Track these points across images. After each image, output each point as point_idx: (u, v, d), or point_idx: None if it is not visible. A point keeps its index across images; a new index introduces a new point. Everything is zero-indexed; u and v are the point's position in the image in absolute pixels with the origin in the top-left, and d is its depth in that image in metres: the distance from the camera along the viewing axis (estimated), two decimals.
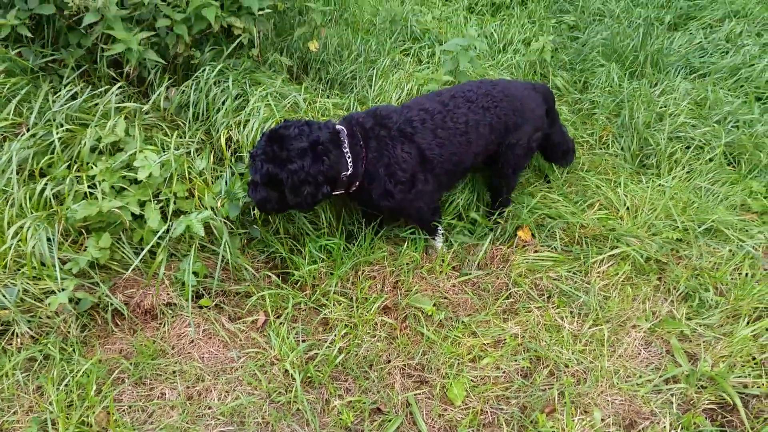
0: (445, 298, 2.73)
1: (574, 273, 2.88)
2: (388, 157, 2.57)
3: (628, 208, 3.27)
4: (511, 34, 5.06)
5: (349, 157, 2.51)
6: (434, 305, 2.64)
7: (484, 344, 2.51)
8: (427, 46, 4.69)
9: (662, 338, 2.61)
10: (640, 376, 2.42)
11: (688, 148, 3.78)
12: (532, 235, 3.08)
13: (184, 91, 3.05)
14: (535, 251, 2.96)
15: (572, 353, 2.49)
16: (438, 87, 3.53)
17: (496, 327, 2.59)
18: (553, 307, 2.70)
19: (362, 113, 2.70)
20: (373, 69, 3.96)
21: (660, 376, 2.40)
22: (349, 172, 2.52)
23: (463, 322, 2.60)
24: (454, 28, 5.14)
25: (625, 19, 5.07)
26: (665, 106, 4.06)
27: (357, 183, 2.60)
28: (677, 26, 5.25)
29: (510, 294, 2.76)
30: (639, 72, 4.53)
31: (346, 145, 2.51)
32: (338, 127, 2.55)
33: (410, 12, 5.13)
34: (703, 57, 4.73)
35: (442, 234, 3.02)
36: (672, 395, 2.34)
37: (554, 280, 2.83)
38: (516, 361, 2.46)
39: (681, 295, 2.81)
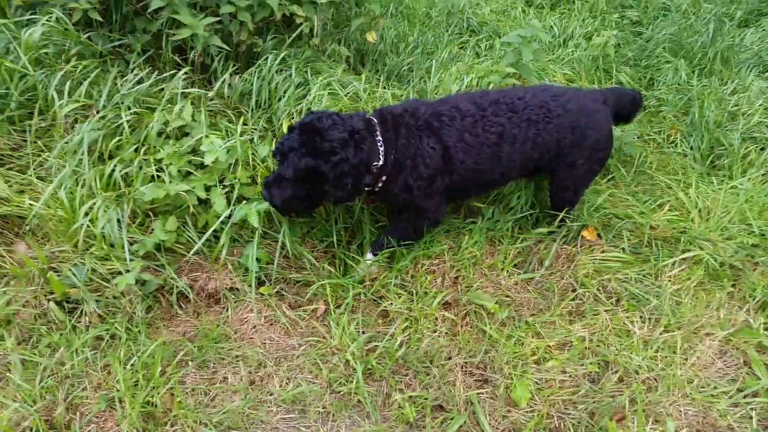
0: (507, 296, 2.65)
1: (643, 276, 2.76)
2: (415, 148, 2.46)
3: (699, 210, 3.13)
4: (572, 28, 4.92)
5: (381, 146, 2.43)
6: (496, 303, 2.57)
7: (549, 346, 2.43)
8: (484, 38, 4.60)
9: (738, 348, 2.48)
10: (716, 387, 2.30)
11: (762, 149, 3.59)
12: (598, 235, 2.97)
13: (246, 78, 3.05)
14: (602, 252, 2.85)
15: (643, 359, 2.38)
16: (500, 79, 3.45)
17: (562, 329, 2.50)
18: (622, 311, 2.59)
19: (394, 105, 2.62)
20: (431, 61, 3.90)
21: (738, 389, 2.28)
22: (380, 163, 2.43)
23: (526, 321, 2.52)
24: (513, 21, 5.03)
25: (692, 15, 4.86)
26: (737, 105, 3.87)
27: (384, 177, 2.49)
28: (748, 23, 5.01)
29: (576, 295, 2.67)
30: (708, 69, 4.33)
31: (378, 133, 2.44)
32: (369, 117, 2.49)
33: (467, 4, 5.04)
34: None
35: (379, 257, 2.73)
36: (752, 409, 2.21)
37: (623, 282, 2.71)
38: (583, 365, 2.37)
39: (758, 303, 2.66)
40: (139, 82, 2.83)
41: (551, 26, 4.93)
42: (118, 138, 2.59)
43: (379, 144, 2.42)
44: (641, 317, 2.59)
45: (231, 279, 2.51)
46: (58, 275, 2.32)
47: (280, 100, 3.00)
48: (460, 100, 2.59)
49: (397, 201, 2.62)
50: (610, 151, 2.90)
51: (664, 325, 2.54)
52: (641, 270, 2.79)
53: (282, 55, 3.08)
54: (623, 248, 2.90)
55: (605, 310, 2.60)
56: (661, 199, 3.20)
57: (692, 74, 4.25)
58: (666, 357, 2.40)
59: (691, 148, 3.75)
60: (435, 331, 2.44)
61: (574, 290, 2.70)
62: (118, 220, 2.37)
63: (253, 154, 2.70)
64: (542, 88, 2.72)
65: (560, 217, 2.90)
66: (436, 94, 3.56)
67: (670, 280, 2.75)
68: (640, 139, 3.78)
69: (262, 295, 2.53)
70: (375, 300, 2.59)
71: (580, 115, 2.64)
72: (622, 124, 3.19)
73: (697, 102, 3.89)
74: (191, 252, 2.47)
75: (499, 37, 4.52)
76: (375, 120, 2.47)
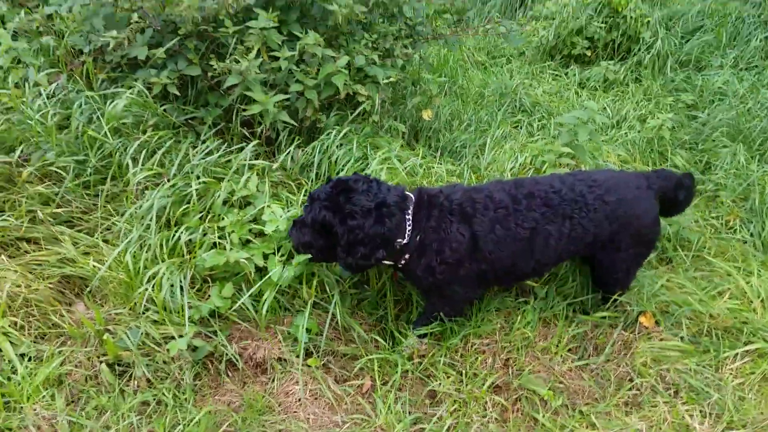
0: (561, 382, 2.57)
1: (703, 367, 2.64)
2: (444, 232, 2.41)
3: (762, 300, 3.00)
4: (626, 110, 4.96)
5: (409, 225, 2.39)
6: (549, 389, 2.49)
7: None
8: (537, 118, 4.68)
9: None
10: None
11: None
12: (656, 322, 2.87)
13: (308, 152, 3.18)
14: (660, 339, 2.75)
15: None
16: (555, 158, 3.48)
17: (618, 420, 2.39)
18: (681, 404, 2.46)
19: (435, 188, 2.61)
20: (484, 138, 3.98)
21: None
22: (404, 241, 2.39)
23: (581, 411, 2.42)
24: (566, 102, 5.11)
25: (750, 99, 4.84)
26: None
27: (407, 255, 2.45)
28: None
29: (633, 385, 2.56)
30: None
31: (410, 211, 2.41)
32: (407, 193, 2.47)
33: (520, 85, 5.17)
34: None
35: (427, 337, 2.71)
36: None
37: (682, 373, 2.59)
38: None
39: None
40: (209, 153, 2.99)
41: (604, 107, 4.99)
42: (185, 206, 2.72)
43: (408, 222, 2.40)
44: (701, 412, 2.45)
45: (279, 349, 2.52)
46: (112, 337, 2.39)
47: (339, 172, 3.09)
48: (494, 188, 2.53)
49: (420, 283, 2.59)
50: (658, 234, 2.80)
51: (727, 422, 2.39)
52: (701, 361, 2.66)
53: (344, 130, 3.21)
54: (682, 337, 2.79)
55: (663, 402, 2.48)
56: (721, 286, 3.09)
57: (751, 159, 4.19)
58: None
59: (751, 235, 3.64)
60: (484, 416, 2.37)
61: (630, 379, 2.60)
62: (181, 287, 2.44)
63: None
64: (580, 176, 2.61)
65: (612, 299, 2.84)
66: (489, 170, 3.61)
67: (731, 373, 2.61)
68: (697, 223, 3.70)
69: (309, 366, 2.53)
70: (423, 378, 2.55)
71: (618, 206, 2.54)
72: (673, 210, 2.99)
73: (758, 187, 3.81)
74: (249, 320, 2.51)
75: (552, 118, 4.59)
76: (412, 197, 2.46)
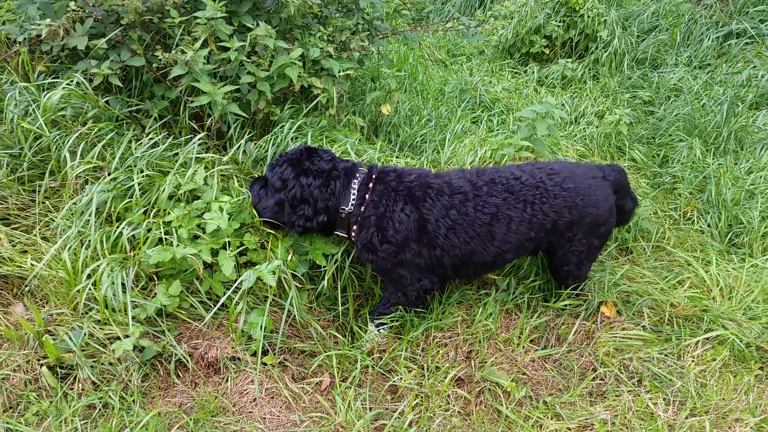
0: (524, 373, 2.51)
1: (665, 355, 2.62)
2: (385, 208, 2.44)
3: (721, 289, 3.01)
4: (584, 106, 4.99)
5: (353, 195, 2.48)
6: (512, 381, 2.42)
7: (569, 428, 2.26)
8: (497, 114, 4.66)
9: None
10: None
11: None
12: (618, 311, 2.84)
13: (262, 145, 3.07)
14: (623, 329, 2.72)
15: None
16: (514, 152, 3.45)
17: (583, 410, 2.34)
18: (645, 392, 2.43)
19: (394, 167, 2.64)
20: (444, 133, 3.93)
21: None
22: (349, 209, 2.48)
23: (545, 401, 2.37)
24: (525, 99, 5.12)
25: (704, 96, 4.93)
26: (754, 184, 3.83)
27: (355, 227, 2.51)
28: (759, 105, 5.06)
29: (597, 375, 2.52)
30: (723, 149, 4.33)
31: (356, 182, 2.49)
32: (361, 168, 2.56)
33: (479, 82, 5.15)
34: None
35: (383, 329, 2.66)
36: None
37: (645, 361, 2.57)
38: None
39: None
40: (154, 146, 2.85)
41: (563, 104, 5.01)
42: (128, 200, 2.57)
43: (352, 191, 2.48)
44: (665, 399, 2.43)
45: (233, 347, 2.40)
46: (53, 339, 2.23)
47: None
48: (454, 175, 2.56)
49: (367, 261, 2.59)
50: (612, 225, 2.77)
51: (690, 409, 2.38)
52: (663, 349, 2.65)
53: (299, 123, 3.11)
54: (644, 326, 2.77)
55: (627, 391, 2.44)
56: (681, 275, 3.10)
57: (707, 153, 4.25)
58: None
59: (708, 225, 3.68)
60: (447, 410, 2.29)
61: (594, 369, 2.56)
62: (122, 284, 2.30)
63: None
64: (539, 165, 2.63)
65: (573, 291, 2.81)
66: (449, 164, 3.56)
67: (693, 361, 2.60)
68: (656, 215, 3.72)
69: (265, 365, 2.41)
70: (383, 373, 2.46)
71: (579, 194, 2.54)
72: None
73: (713, 179, 3.85)
74: (198, 321, 2.39)
75: (512, 114, 4.57)
76: (363, 170, 2.56)
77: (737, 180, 3.87)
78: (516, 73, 5.85)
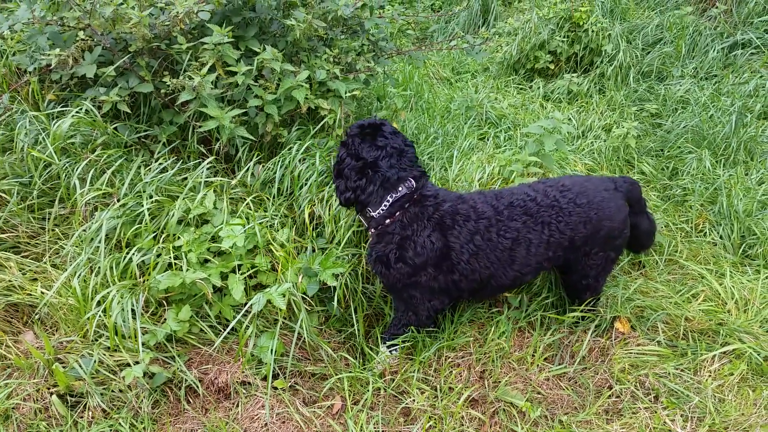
0: (539, 393, 2.47)
1: (682, 371, 2.57)
2: (412, 232, 2.41)
3: (736, 301, 2.96)
4: (591, 120, 4.98)
5: (385, 206, 2.44)
6: (527, 400, 2.38)
7: None
8: (503, 130, 4.66)
9: None
10: None
11: None
12: (632, 327, 2.80)
13: (270, 168, 3.08)
14: (638, 345, 2.68)
15: None
16: (522, 168, 3.44)
17: (599, 429, 2.30)
18: (662, 408, 2.38)
19: (442, 189, 2.60)
20: (451, 150, 3.93)
21: None
22: (374, 214, 2.46)
23: (560, 421, 2.32)
24: (531, 114, 5.12)
25: (712, 107, 4.90)
26: (766, 195, 3.78)
27: (372, 230, 2.50)
28: (767, 116, 5.02)
29: (612, 392, 2.47)
30: (732, 159, 4.30)
31: (394, 195, 2.44)
32: (410, 180, 2.49)
33: (485, 99, 5.16)
34: None
35: (395, 350, 2.63)
36: None
37: (661, 377, 2.52)
38: None
39: None
40: (164, 171, 2.87)
41: (570, 118, 5.00)
42: (137, 226, 2.58)
43: (386, 202, 2.44)
44: (683, 416, 2.38)
45: (243, 372, 2.38)
46: (63, 367, 2.23)
47: (302, 187, 2.99)
48: (478, 199, 2.53)
49: (377, 274, 2.55)
50: (627, 237, 2.74)
51: (709, 425, 2.33)
52: (679, 364, 2.60)
53: (306, 144, 3.12)
54: (659, 341, 2.73)
55: (644, 408, 2.39)
56: (695, 288, 3.05)
57: (716, 164, 4.21)
58: None
59: (721, 237, 3.63)
60: None
61: (610, 386, 2.51)
62: (132, 310, 2.30)
63: (272, 239, 2.65)
64: (549, 184, 2.61)
65: (586, 306, 2.76)
66: (457, 181, 3.55)
67: (710, 375, 2.55)
68: (667, 228, 3.68)
69: (275, 389, 2.39)
70: (395, 395, 2.43)
71: (592, 209, 2.53)
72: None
73: (724, 191, 3.81)
74: (208, 346, 2.38)
75: (518, 129, 4.57)
76: (410, 183, 2.48)
77: (749, 191, 3.83)
78: (521, 89, 5.87)
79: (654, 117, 5.23)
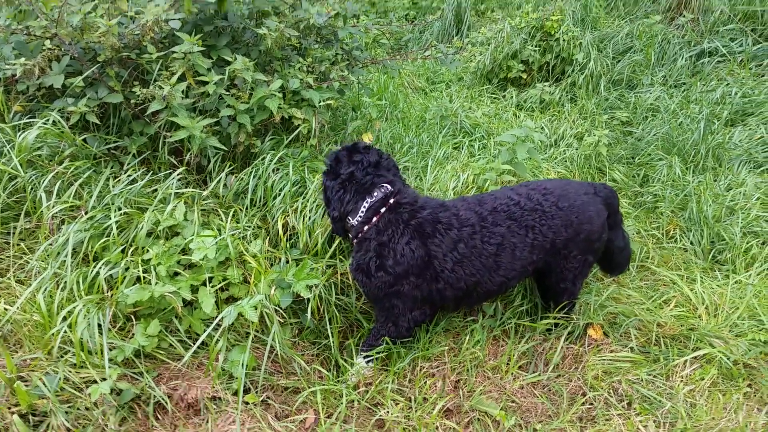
0: (513, 401, 2.47)
1: (654, 376, 2.59)
2: (389, 238, 2.40)
3: (707, 307, 3.01)
4: (563, 129, 5.04)
5: (362, 211, 2.46)
6: (502, 409, 2.38)
7: None
8: (477, 139, 4.69)
9: None
10: None
11: (764, 243, 3.53)
12: (605, 333, 2.83)
13: (242, 178, 3.04)
14: (611, 351, 2.70)
15: None
16: (496, 176, 3.46)
17: None
18: (635, 415, 2.40)
19: (425, 197, 2.59)
20: (426, 160, 3.94)
21: None
22: (354, 222, 2.48)
23: (535, 429, 2.32)
24: (505, 123, 5.16)
25: (681, 114, 5.00)
26: (734, 201, 3.86)
27: (355, 240, 2.51)
28: (733, 122, 5.14)
29: (586, 399, 2.48)
30: (701, 166, 4.38)
31: (369, 200, 2.46)
32: (385, 185, 2.50)
33: (459, 108, 5.20)
34: (766, 152, 4.55)
35: (371, 362, 2.60)
36: None
37: (633, 383, 2.54)
38: None
39: None
40: (133, 182, 2.82)
41: (542, 127, 5.05)
42: (105, 239, 2.53)
43: (362, 207, 2.45)
44: (655, 421, 2.40)
45: (213, 387, 2.33)
46: (26, 385, 2.16)
47: (275, 198, 2.97)
48: (461, 206, 2.53)
49: (358, 283, 2.53)
50: (604, 241, 2.78)
51: (681, 430, 2.35)
52: (651, 370, 2.63)
53: (279, 154, 3.10)
54: (631, 347, 2.75)
55: (617, 415, 2.41)
56: (666, 294, 3.09)
57: (686, 170, 4.29)
58: None
59: (691, 243, 3.69)
60: None
61: (583, 394, 2.52)
62: (99, 325, 2.24)
63: (245, 250, 2.62)
64: (531, 188, 2.63)
65: (560, 312, 2.79)
66: (432, 190, 3.56)
67: (682, 380, 2.58)
68: (639, 234, 3.73)
69: (247, 404, 2.35)
70: (370, 408, 2.41)
71: (573, 212, 2.56)
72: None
73: (694, 197, 3.88)
74: (179, 361, 2.33)
75: (492, 138, 4.60)
76: (386, 188, 2.50)
77: (717, 197, 3.91)
78: (495, 98, 5.92)
79: (625, 125, 5.31)
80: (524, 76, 5.99)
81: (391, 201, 2.47)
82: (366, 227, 2.44)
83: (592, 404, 2.48)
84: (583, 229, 2.58)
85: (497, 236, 2.45)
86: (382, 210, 2.44)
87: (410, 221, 2.42)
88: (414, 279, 2.41)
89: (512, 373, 2.58)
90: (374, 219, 2.44)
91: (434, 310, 2.64)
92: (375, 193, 2.46)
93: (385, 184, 2.49)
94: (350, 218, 2.48)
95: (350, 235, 2.55)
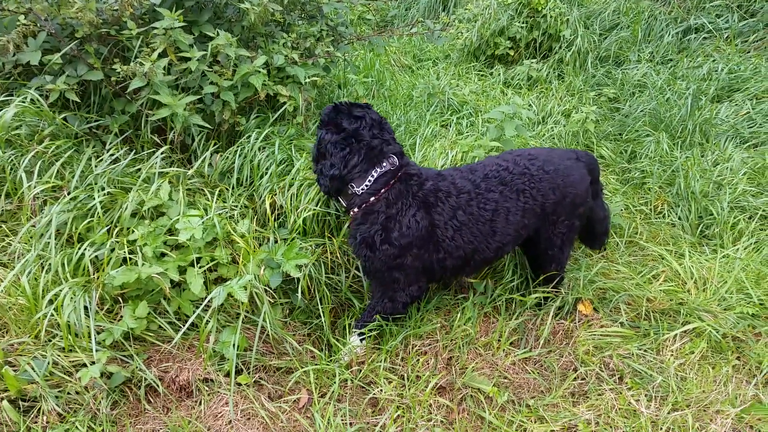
0: (505, 377, 2.47)
1: (645, 351, 2.61)
2: (397, 211, 2.38)
3: (695, 281, 3.03)
4: (550, 106, 5.01)
5: (369, 181, 2.38)
6: (494, 386, 2.38)
7: (553, 431, 2.23)
8: (465, 116, 4.65)
9: (753, 427, 2.30)
10: None
11: (751, 218, 3.56)
12: (594, 309, 2.84)
13: (228, 157, 2.98)
14: (601, 326, 2.71)
15: None
16: (484, 153, 3.43)
17: (566, 411, 2.31)
18: (626, 389, 2.42)
19: (423, 167, 2.57)
20: (414, 137, 3.90)
21: None
22: (358, 191, 2.39)
23: (527, 405, 2.33)
24: (492, 101, 5.12)
25: (668, 91, 5.00)
26: (721, 176, 3.88)
27: (356, 210, 2.44)
28: (720, 98, 5.15)
29: (578, 374, 2.50)
30: (688, 142, 4.39)
31: (378, 170, 2.39)
32: (392, 156, 2.44)
33: (447, 86, 5.15)
34: (752, 127, 4.58)
35: (364, 340, 2.58)
36: None
37: (624, 358, 2.56)
38: None
39: (765, 376, 2.51)
40: (116, 162, 2.75)
41: (530, 104, 5.03)
42: (89, 220, 2.47)
43: (371, 177, 2.38)
44: (647, 395, 2.42)
45: (205, 369, 2.31)
46: (15, 370, 2.11)
47: (262, 177, 2.91)
48: (456, 175, 2.53)
49: (360, 257, 2.49)
50: (588, 206, 2.81)
51: (672, 403, 2.37)
52: (642, 344, 2.65)
53: (265, 132, 3.03)
54: (621, 322, 2.77)
55: (609, 389, 2.43)
56: (655, 269, 3.11)
57: (674, 146, 4.30)
58: None
59: (679, 218, 3.71)
60: (430, 420, 2.24)
61: (575, 369, 2.54)
62: (86, 308, 2.19)
63: (232, 230, 2.57)
64: (518, 154, 2.66)
65: (551, 281, 2.82)
66: None
67: (672, 355, 2.60)
68: (627, 210, 3.74)
69: (239, 385, 2.32)
70: (363, 386, 2.40)
71: (559, 176, 2.59)
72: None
73: (682, 172, 3.89)
74: (168, 342, 2.29)
75: (480, 116, 4.57)
76: (393, 159, 2.43)
77: (705, 172, 3.92)
78: (482, 75, 5.87)
79: (612, 101, 5.31)
80: (511, 53, 5.94)
81: (399, 173, 2.43)
82: (373, 198, 2.39)
83: (583, 379, 2.49)
84: (568, 193, 2.61)
85: (492, 202, 2.46)
86: (392, 182, 2.41)
87: (418, 193, 2.41)
88: (417, 250, 2.41)
89: (504, 350, 2.58)
90: (383, 191, 2.39)
91: (431, 282, 2.64)
92: (384, 164, 2.40)
93: (393, 156, 2.44)
94: (354, 185, 2.40)
95: (348, 202, 2.46)
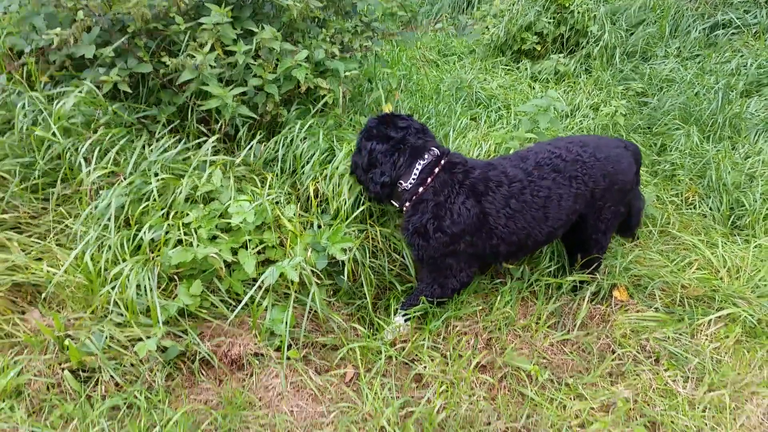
0: (544, 358, 2.54)
1: (680, 335, 2.66)
2: (445, 198, 2.48)
3: (728, 269, 3.07)
4: (578, 100, 5.05)
5: (415, 174, 2.53)
6: (534, 365, 2.45)
7: (592, 408, 2.29)
8: (494, 110, 4.71)
9: None
10: None
11: None
12: (630, 295, 2.89)
13: (271, 147, 3.09)
14: (637, 311, 2.77)
15: (691, 419, 2.24)
16: (519, 145, 3.49)
17: (605, 390, 2.38)
18: (663, 370, 2.47)
19: (464, 158, 2.66)
20: (446, 129, 3.97)
21: None
22: (406, 186, 2.55)
23: (567, 383, 2.40)
24: (520, 95, 5.18)
25: (697, 85, 5.02)
26: (753, 168, 3.90)
27: (407, 203, 2.57)
28: (749, 93, 5.15)
29: (616, 355, 2.56)
30: (719, 135, 4.41)
31: (421, 162, 2.54)
32: (434, 148, 2.60)
33: (474, 80, 5.21)
34: None
35: (408, 321, 2.67)
36: None
37: (661, 341, 2.61)
38: (629, 427, 2.23)
39: None
40: (165, 150, 2.86)
41: (557, 98, 5.06)
42: (145, 204, 2.58)
43: (415, 169, 2.53)
44: (683, 376, 2.48)
45: (255, 344, 2.41)
46: (74, 343, 2.23)
47: (305, 165, 3.01)
48: (506, 164, 2.62)
49: (413, 246, 2.59)
50: (632, 194, 2.91)
51: (708, 384, 2.42)
52: (677, 329, 2.70)
53: (309, 123, 3.14)
54: (657, 308, 2.82)
55: (647, 370, 2.48)
56: (688, 258, 3.15)
57: (704, 139, 4.33)
58: (714, 416, 2.27)
59: (710, 209, 3.74)
60: (473, 395, 2.32)
61: (612, 351, 2.60)
62: (137, 286, 2.30)
63: (280, 214, 2.67)
64: (569, 142, 2.72)
65: (589, 265, 2.91)
66: None
67: (707, 339, 2.65)
68: (659, 200, 3.78)
69: (288, 359, 2.42)
70: (407, 363, 2.49)
71: (610, 163, 2.67)
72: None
73: (713, 165, 3.92)
74: (220, 319, 2.40)
75: (509, 109, 4.63)
76: (434, 151, 2.60)
77: (736, 165, 3.95)
78: (509, 70, 5.92)
79: (640, 95, 5.33)
80: (538, 47, 5.99)
81: (442, 161, 2.55)
82: (421, 188, 2.51)
83: (621, 360, 2.55)
84: (618, 180, 2.68)
85: (545, 189, 2.54)
86: (436, 170, 2.52)
87: (464, 181, 2.50)
88: (469, 238, 2.50)
89: (542, 332, 2.65)
90: (429, 180, 2.51)
91: (484, 268, 2.76)
92: (426, 156, 2.55)
93: (433, 147, 2.59)
94: (402, 182, 2.55)
95: (400, 200, 2.60)
